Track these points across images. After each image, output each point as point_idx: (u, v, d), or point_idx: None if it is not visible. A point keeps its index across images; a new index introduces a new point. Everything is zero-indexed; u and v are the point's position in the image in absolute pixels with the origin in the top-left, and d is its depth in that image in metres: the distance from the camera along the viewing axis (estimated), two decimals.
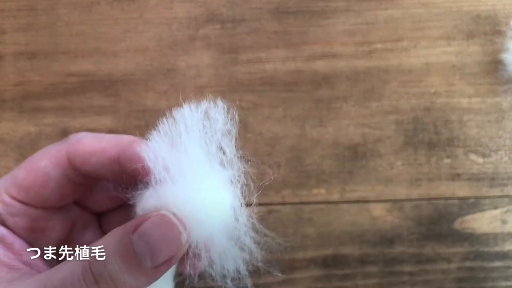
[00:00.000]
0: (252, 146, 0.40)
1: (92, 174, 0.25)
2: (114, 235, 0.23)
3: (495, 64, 0.41)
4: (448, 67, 0.41)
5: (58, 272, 0.23)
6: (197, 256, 0.24)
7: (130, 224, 0.23)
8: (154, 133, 0.25)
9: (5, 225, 0.25)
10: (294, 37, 0.41)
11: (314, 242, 0.40)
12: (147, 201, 0.24)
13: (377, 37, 0.41)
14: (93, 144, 0.25)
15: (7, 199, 0.25)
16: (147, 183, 0.24)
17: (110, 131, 0.40)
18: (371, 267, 0.40)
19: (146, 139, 0.25)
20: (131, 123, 0.41)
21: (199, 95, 0.41)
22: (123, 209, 0.29)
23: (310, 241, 0.40)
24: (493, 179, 0.40)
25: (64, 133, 0.40)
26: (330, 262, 0.40)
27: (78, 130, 0.40)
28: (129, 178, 0.25)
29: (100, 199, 0.28)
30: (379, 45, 0.41)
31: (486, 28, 0.41)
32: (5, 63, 0.41)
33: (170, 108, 0.40)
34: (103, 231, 0.29)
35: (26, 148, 0.40)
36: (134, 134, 0.40)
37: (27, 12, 0.41)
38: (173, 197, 0.23)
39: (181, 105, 0.26)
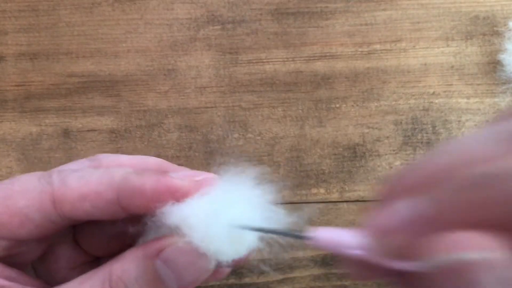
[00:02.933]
0: (252, 146, 0.40)
1: (84, 218, 0.23)
2: (134, 259, 0.22)
3: (493, 65, 0.41)
4: (447, 67, 0.41)
5: None
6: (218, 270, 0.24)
7: (152, 248, 0.22)
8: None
9: None
10: (294, 38, 0.41)
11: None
12: (165, 219, 0.22)
13: (376, 38, 0.41)
14: (82, 187, 0.22)
15: None
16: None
17: (111, 131, 0.41)
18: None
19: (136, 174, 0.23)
20: (132, 123, 0.41)
21: (200, 95, 0.41)
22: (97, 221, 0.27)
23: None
24: None
25: (65, 133, 0.41)
26: (330, 261, 0.40)
27: (79, 130, 0.41)
28: (133, 214, 0.23)
29: (93, 235, 0.27)
30: (378, 46, 0.41)
31: (485, 29, 0.41)
32: (7, 63, 0.41)
33: (170, 108, 0.41)
34: (76, 237, 0.27)
35: (28, 148, 0.41)
36: (135, 134, 0.40)
37: (29, 13, 0.42)
38: (199, 227, 0.22)
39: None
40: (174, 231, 0.22)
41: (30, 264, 0.26)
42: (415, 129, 0.41)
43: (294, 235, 0.23)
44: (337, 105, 0.41)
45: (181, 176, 0.23)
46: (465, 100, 0.41)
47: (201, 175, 0.23)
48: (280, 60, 0.41)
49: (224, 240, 0.22)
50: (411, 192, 0.17)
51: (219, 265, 0.23)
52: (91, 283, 0.22)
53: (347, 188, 0.40)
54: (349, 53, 0.41)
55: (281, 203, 0.25)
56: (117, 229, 0.26)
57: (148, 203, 0.22)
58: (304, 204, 0.40)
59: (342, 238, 0.20)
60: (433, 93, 0.41)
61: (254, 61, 0.41)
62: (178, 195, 0.22)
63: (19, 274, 0.24)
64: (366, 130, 0.41)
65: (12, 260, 0.24)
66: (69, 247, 0.26)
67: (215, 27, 0.42)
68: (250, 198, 0.24)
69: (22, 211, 0.22)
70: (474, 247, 0.15)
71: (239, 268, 0.40)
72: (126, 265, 0.22)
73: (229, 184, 0.23)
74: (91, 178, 0.22)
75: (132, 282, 0.21)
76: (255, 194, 0.24)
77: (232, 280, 0.39)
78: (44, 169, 0.40)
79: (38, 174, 0.23)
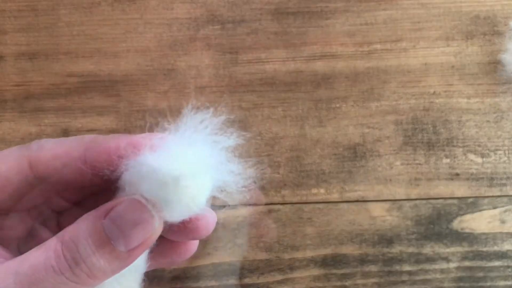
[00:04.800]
0: (252, 146, 0.40)
1: (56, 179, 0.25)
2: (86, 219, 0.23)
3: (494, 65, 0.41)
4: (447, 67, 0.41)
5: (30, 258, 0.23)
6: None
7: (101, 209, 0.23)
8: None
9: None
10: (294, 38, 0.41)
11: (314, 242, 0.40)
12: (122, 184, 0.24)
13: (376, 38, 0.41)
14: (56, 148, 0.25)
15: None
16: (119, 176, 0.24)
17: (111, 131, 0.41)
18: (370, 266, 0.40)
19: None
20: (132, 123, 0.41)
21: (200, 95, 0.41)
22: (81, 206, 0.28)
23: (310, 240, 0.40)
24: (492, 179, 0.40)
25: (65, 133, 0.41)
26: (330, 262, 0.40)
27: (79, 130, 0.41)
28: (97, 177, 0.25)
29: (60, 201, 0.28)
30: (378, 46, 0.41)
31: (485, 28, 0.41)
32: (6, 63, 0.41)
33: (170, 108, 0.40)
34: (60, 225, 0.29)
35: None
36: (134, 134, 0.40)
37: (28, 12, 0.42)
38: (148, 180, 0.23)
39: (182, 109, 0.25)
40: (127, 188, 0.23)
41: (16, 247, 0.27)
42: (415, 129, 0.41)
43: None
44: (337, 105, 0.41)
45: (142, 135, 0.26)
46: (466, 100, 0.41)
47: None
48: (280, 60, 0.41)
49: (171, 195, 0.23)
50: None
51: (168, 225, 0.23)
52: (46, 245, 0.23)
53: (347, 188, 0.40)
54: (349, 53, 0.41)
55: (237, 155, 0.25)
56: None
57: (110, 157, 0.24)
58: (304, 205, 0.40)
59: None
60: (434, 93, 0.41)
61: (254, 61, 0.41)
62: (136, 150, 0.24)
63: (5, 252, 0.25)
64: (366, 130, 0.41)
65: None
66: (52, 232, 0.27)
67: (215, 27, 0.41)
68: (203, 148, 0.25)
69: (3, 174, 0.24)
70: None
71: (239, 268, 0.40)
72: (78, 226, 0.23)
73: (186, 138, 0.25)
74: (65, 142, 0.25)
75: (82, 242, 0.22)
76: (210, 144, 0.25)
77: (231, 281, 0.39)
78: None
79: (19, 145, 0.26)
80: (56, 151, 0.25)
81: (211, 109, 0.25)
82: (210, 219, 0.27)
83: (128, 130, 0.41)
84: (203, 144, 0.25)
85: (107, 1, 0.42)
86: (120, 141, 0.25)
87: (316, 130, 0.41)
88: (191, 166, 0.24)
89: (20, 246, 0.27)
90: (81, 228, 0.23)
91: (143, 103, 0.41)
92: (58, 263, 0.22)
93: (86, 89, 0.41)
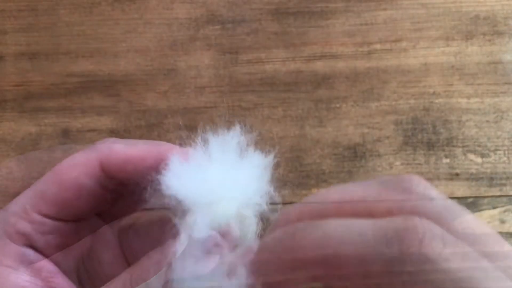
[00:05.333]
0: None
1: (126, 181, 0.24)
2: (155, 257, 0.23)
3: (494, 65, 0.41)
4: (447, 67, 0.41)
5: None
6: None
7: (170, 246, 0.22)
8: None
9: (33, 246, 0.24)
10: (294, 38, 0.41)
11: None
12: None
13: (376, 38, 0.41)
14: (128, 151, 0.24)
15: (37, 217, 0.23)
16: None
17: (111, 131, 0.41)
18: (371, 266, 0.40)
19: (184, 146, 0.24)
20: (132, 123, 0.41)
21: (199, 95, 0.41)
22: (144, 226, 0.28)
23: None
24: (491, 179, 0.40)
25: (65, 133, 0.41)
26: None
27: (79, 130, 0.41)
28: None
29: (123, 209, 0.27)
30: (378, 46, 0.41)
31: (485, 28, 0.41)
32: (6, 63, 0.41)
33: (170, 108, 0.41)
34: (122, 248, 0.28)
35: (27, 148, 0.41)
36: (134, 134, 0.40)
37: (28, 12, 0.42)
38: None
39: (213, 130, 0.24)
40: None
41: (75, 271, 0.26)
42: (415, 129, 0.41)
43: None
44: (337, 105, 0.41)
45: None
46: (466, 100, 0.41)
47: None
48: (280, 60, 0.41)
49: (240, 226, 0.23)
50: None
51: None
52: (114, 285, 0.22)
53: None
54: (349, 53, 0.41)
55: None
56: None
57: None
58: None
59: None
60: (434, 93, 0.41)
61: (254, 61, 0.41)
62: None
63: (66, 285, 0.24)
64: (366, 130, 0.41)
65: (62, 258, 0.25)
66: (114, 255, 0.27)
67: (215, 27, 0.41)
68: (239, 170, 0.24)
69: (76, 181, 0.24)
70: None
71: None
72: (146, 264, 0.22)
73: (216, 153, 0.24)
74: (137, 145, 0.24)
75: (151, 277, 0.22)
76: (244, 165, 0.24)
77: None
78: (44, 169, 0.40)
79: (84, 150, 0.25)
80: (128, 154, 0.24)
81: (238, 127, 0.24)
82: None
83: (128, 130, 0.41)
84: (243, 167, 0.24)
85: (107, 1, 0.42)
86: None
87: (316, 130, 0.41)
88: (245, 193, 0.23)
89: (80, 272, 0.27)
90: (150, 266, 0.22)
91: (143, 103, 0.41)
92: None
93: (86, 89, 0.41)
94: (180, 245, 0.22)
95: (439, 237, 0.17)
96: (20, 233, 0.23)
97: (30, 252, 0.24)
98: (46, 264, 0.24)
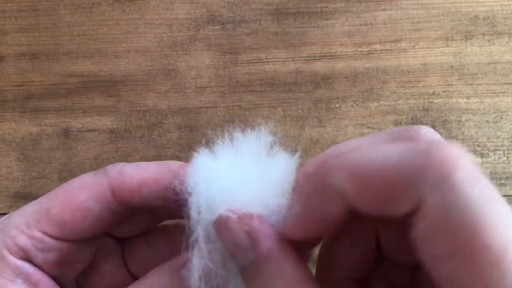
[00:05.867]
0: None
1: (140, 205, 0.24)
2: (163, 271, 0.22)
3: (493, 65, 0.41)
4: (447, 67, 0.41)
5: None
6: None
7: (179, 260, 0.22)
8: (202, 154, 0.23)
9: (31, 261, 0.23)
10: (294, 38, 0.41)
11: None
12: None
13: (376, 38, 0.41)
14: (140, 174, 0.23)
15: (38, 234, 0.23)
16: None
17: (111, 131, 0.41)
18: None
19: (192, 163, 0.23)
20: (132, 123, 0.41)
21: (200, 95, 0.41)
22: (148, 236, 0.27)
23: None
24: (491, 179, 0.40)
25: (65, 133, 0.41)
26: None
27: (79, 130, 0.41)
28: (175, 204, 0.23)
29: (128, 226, 0.27)
30: (378, 46, 0.41)
31: (485, 29, 0.41)
32: (6, 63, 0.41)
33: (170, 108, 0.41)
34: (125, 258, 0.27)
35: (28, 148, 0.41)
36: (135, 134, 0.41)
37: (29, 13, 0.42)
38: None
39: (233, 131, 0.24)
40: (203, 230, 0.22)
41: (75, 280, 0.26)
42: None
43: None
44: (337, 105, 0.41)
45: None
46: (465, 100, 0.41)
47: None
48: (280, 60, 0.41)
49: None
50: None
51: None
52: None
53: None
54: (349, 53, 0.41)
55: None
56: (167, 252, 0.26)
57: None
58: None
59: None
60: (433, 93, 0.41)
61: (254, 61, 0.41)
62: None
63: None
64: (366, 130, 0.41)
65: (61, 272, 0.24)
66: (115, 265, 0.27)
67: (215, 27, 0.42)
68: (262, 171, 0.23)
69: (83, 205, 0.23)
70: None
71: None
72: (154, 278, 0.22)
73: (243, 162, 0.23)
74: (149, 167, 0.24)
75: None
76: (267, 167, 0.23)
77: None
78: (44, 169, 0.40)
79: (91, 172, 0.24)
80: (141, 177, 0.23)
81: (258, 129, 0.24)
82: None
83: (128, 130, 0.41)
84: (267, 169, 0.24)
85: (107, 2, 0.42)
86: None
87: (316, 130, 0.41)
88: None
89: (79, 281, 0.26)
90: (158, 280, 0.22)
91: (143, 103, 0.41)
92: None
93: (87, 89, 0.41)
94: (198, 255, 0.21)
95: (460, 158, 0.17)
96: (19, 246, 0.23)
97: (28, 266, 0.23)
98: (43, 279, 0.24)
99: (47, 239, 0.23)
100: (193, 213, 0.21)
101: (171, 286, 0.22)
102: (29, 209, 0.24)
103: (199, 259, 0.21)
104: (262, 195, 0.22)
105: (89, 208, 0.23)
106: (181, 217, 0.23)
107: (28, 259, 0.23)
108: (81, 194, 0.23)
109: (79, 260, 0.25)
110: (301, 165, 0.23)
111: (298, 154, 0.24)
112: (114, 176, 0.23)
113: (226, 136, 0.23)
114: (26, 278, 0.23)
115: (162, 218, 0.27)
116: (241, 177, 0.22)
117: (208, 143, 0.24)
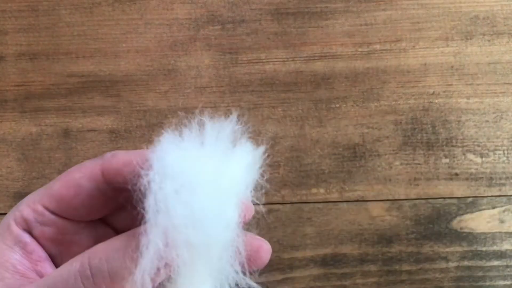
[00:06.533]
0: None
1: (124, 186, 0.25)
2: (119, 237, 0.23)
3: (493, 65, 0.41)
4: (447, 67, 0.41)
5: (58, 270, 0.23)
6: None
7: (136, 230, 0.23)
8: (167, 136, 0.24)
9: (31, 233, 0.26)
10: (294, 38, 0.41)
11: (313, 241, 0.40)
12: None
13: (376, 38, 0.41)
14: (126, 156, 0.25)
15: (39, 208, 0.25)
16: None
17: (111, 131, 0.41)
18: (370, 266, 0.40)
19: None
20: (132, 123, 0.41)
21: (200, 95, 0.41)
22: None
23: (309, 240, 0.40)
24: (491, 179, 0.40)
25: (65, 133, 0.41)
26: (329, 261, 0.40)
27: (79, 130, 0.41)
28: None
29: (126, 217, 0.28)
30: (378, 46, 0.41)
31: (484, 29, 0.41)
32: (7, 63, 0.41)
33: (170, 108, 0.41)
34: None
35: (28, 148, 0.41)
36: (135, 134, 0.41)
37: (29, 13, 0.42)
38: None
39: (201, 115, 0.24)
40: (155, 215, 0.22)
41: None
42: (414, 129, 0.41)
43: None
44: (337, 105, 0.41)
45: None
46: (465, 100, 0.41)
47: None
48: (280, 60, 0.41)
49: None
50: None
51: None
52: (79, 257, 0.23)
53: (347, 188, 0.40)
54: (349, 53, 0.41)
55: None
56: None
57: None
58: (303, 204, 0.40)
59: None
60: (433, 93, 0.41)
61: (254, 61, 0.41)
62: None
63: (52, 268, 0.26)
64: (366, 130, 0.41)
65: (59, 251, 0.26)
66: None
67: (215, 27, 0.42)
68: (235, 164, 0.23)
69: (77, 181, 0.25)
70: None
71: None
72: (109, 241, 0.23)
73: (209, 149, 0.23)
74: (136, 151, 0.26)
75: (112, 252, 0.23)
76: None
77: None
78: (44, 169, 0.40)
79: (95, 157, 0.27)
80: (126, 159, 0.25)
81: (227, 116, 0.24)
82: (265, 248, 0.26)
83: (128, 130, 0.41)
84: (231, 157, 0.24)
85: (107, 2, 0.42)
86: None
87: (316, 130, 0.41)
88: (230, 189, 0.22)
89: None
90: (114, 242, 0.23)
91: (143, 103, 0.41)
92: (81, 272, 0.22)
93: (87, 89, 0.41)
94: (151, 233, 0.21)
95: None
96: (23, 218, 0.25)
97: (27, 236, 0.26)
98: (37, 250, 0.26)
99: (47, 213, 0.26)
100: (149, 214, 0.21)
101: (126, 248, 0.22)
102: (40, 189, 0.26)
103: (150, 262, 0.21)
104: (217, 198, 0.22)
105: (81, 185, 0.25)
106: None
107: (29, 231, 0.26)
108: (77, 173, 0.26)
109: (76, 242, 0.27)
110: (266, 157, 0.23)
111: (264, 147, 0.24)
112: (107, 159, 0.26)
113: (194, 122, 0.24)
114: (23, 246, 0.25)
115: None
116: (200, 173, 0.22)
117: (176, 126, 0.25)
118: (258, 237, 0.25)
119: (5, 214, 0.40)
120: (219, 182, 0.22)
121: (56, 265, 0.27)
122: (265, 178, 0.24)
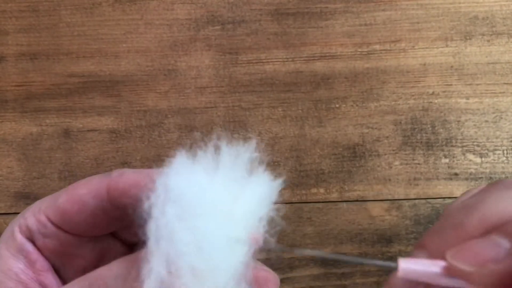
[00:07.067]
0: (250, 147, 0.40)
1: (130, 206, 0.24)
2: (123, 260, 0.23)
3: (492, 65, 0.41)
4: (446, 67, 0.41)
5: None
6: None
7: (137, 254, 0.22)
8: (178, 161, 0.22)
9: (34, 243, 0.25)
10: (294, 38, 0.41)
11: (313, 241, 0.40)
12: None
13: (375, 38, 0.41)
14: (134, 176, 0.24)
15: (43, 218, 0.25)
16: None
17: (112, 131, 0.41)
18: (370, 265, 0.40)
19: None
20: (132, 123, 0.41)
21: (200, 95, 0.41)
22: None
23: (309, 240, 0.40)
24: (490, 179, 0.41)
25: (65, 133, 0.41)
26: (329, 261, 0.40)
27: (79, 130, 0.41)
28: None
29: (136, 231, 0.26)
30: (377, 46, 0.41)
31: (484, 29, 0.42)
32: (7, 64, 0.41)
33: (170, 108, 0.41)
34: None
35: (28, 148, 0.41)
36: (135, 134, 0.41)
37: (29, 13, 0.42)
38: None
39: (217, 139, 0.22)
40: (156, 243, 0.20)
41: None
42: (414, 129, 0.41)
43: (380, 264, 0.22)
44: (337, 105, 0.41)
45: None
46: (465, 100, 0.41)
47: None
48: (280, 60, 0.41)
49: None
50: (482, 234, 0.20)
51: None
52: (78, 283, 0.23)
53: (346, 188, 0.40)
54: (349, 53, 0.41)
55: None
56: None
57: None
58: (303, 204, 0.40)
59: (428, 269, 0.20)
60: (433, 93, 0.41)
61: (254, 61, 0.41)
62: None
63: (55, 284, 0.26)
64: (366, 130, 0.41)
65: (62, 263, 0.26)
66: None
67: (215, 27, 0.42)
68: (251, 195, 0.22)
69: (82, 198, 0.25)
70: None
71: None
72: (112, 265, 0.22)
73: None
74: (145, 171, 0.25)
75: (111, 278, 0.22)
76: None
77: None
78: (45, 169, 0.41)
79: (103, 173, 0.26)
80: (133, 179, 0.24)
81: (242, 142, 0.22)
82: (272, 280, 0.25)
83: (128, 130, 0.41)
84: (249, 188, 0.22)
85: (108, 2, 0.42)
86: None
87: (315, 130, 0.41)
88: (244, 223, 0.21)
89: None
90: (114, 268, 0.22)
91: (143, 103, 0.41)
92: None
93: (87, 89, 0.41)
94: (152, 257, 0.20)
95: None
96: (27, 226, 0.25)
97: (30, 245, 0.25)
98: (41, 260, 0.25)
99: (49, 225, 0.25)
100: (150, 240, 0.20)
101: (124, 274, 0.22)
102: (47, 198, 0.26)
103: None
104: (226, 226, 0.21)
105: (85, 202, 0.25)
106: None
107: (32, 240, 0.25)
108: (83, 189, 0.25)
109: (79, 255, 0.26)
110: (282, 190, 0.22)
111: (282, 179, 0.23)
112: (114, 177, 0.25)
113: (210, 144, 0.22)
114: (26, 255, 0.25)
115: None
116: (207, 199, 0.21)
117: (191, 147, 0.23)
118: (266, 268, 0.24)
119: (5, 214, 0.40)
120: (229, 210, 0.21)
121: (59, 276, 0.26)
122: (279, 214, 0.23)
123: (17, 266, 0.25)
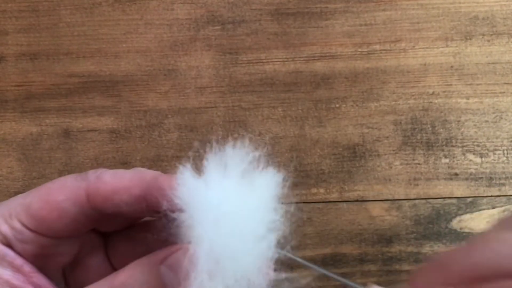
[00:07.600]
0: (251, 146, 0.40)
1: (113, 212, 0.24)
2: (140, 265, 0.23)
3: (493, 65, 0.41)
4: (446, 67, 0.41)
5: None
6: None
7: (158, 255, 0.23)
8: (186, 167, 0.23)
9: (12, 249, 0.24)
10: (294, 38, 0.41)
11: (313, 241, 0.40)
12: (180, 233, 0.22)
13: (375, 38, 0.41)
14: (115, 182, 0.24)
15: (17, 225, 0.24)
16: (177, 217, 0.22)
17: (112, 131, 0.41)
18: (370, 265, 0.40)
19: (172, 173, 0.23)
20: (132, 123, 0.41)
21: (200, 95, 0.41)
22: (129, 230, 0.28)
23: (309, 240, 0.40)
24: (490, 179, 0.41)
25: (65, 133, 0.41)
26: (329, 261, 0.40)
27: (79, 130, 0.41)
28: (155, 213, 0.23)
29: (111, 223, 0.27)
30: (377, 46, 0.41)
31: (484, 29, 0.42)
32: (7, 64, 0.41)
33: (170, 108, 0.41)
34: (107, 252, 0.28)
35: (28, 148, 0.41)
36: (135, 134, 0.41)
37: (29, 13, 0.42)
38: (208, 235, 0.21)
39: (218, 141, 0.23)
40: (188, 231, 0.22)
41: (61, 272, 0.27)
42: (414, 129, 0.41)
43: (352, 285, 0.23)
44: (337, 105, 0.41)
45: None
46: (465, 100, 0.41)
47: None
48: (280, 60, 0.41)
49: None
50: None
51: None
52: None
53: (346, 188, 0.40)
54: (349, 53, 0.41)
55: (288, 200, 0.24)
56: (148, 247, 0.26)
57: (170, 197, 0.23)
58: (303, 204, 0.40)
59: None
60: (433, 93, 0.41)
61: (254, 61, 0.41)
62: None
63: (47, 283, 0.25)
64: (366, 130, 0.41)
65: (43, 264, 0.25)
66: (99, 260, 0.27)
67: (215, 27, 0.42)
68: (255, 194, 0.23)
69: (60, 205, 0.24)
70: None
71: None
72: (131, 272, 0.22)
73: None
74: (124, 175, 0.24)
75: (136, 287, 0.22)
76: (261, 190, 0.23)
77: None
78: (44, 169, 0.41)
79: (74, 174, 0.25)
80: (115, 185, 0.24)
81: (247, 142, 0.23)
82: None
83: (128, 130, 0.41)
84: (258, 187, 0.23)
85: (107, 2, 0.42)
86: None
87: (315, 130, 0.41)
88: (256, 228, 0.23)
89: (66, 274, 0.27)
90: (135, 273, 0.22)
91: (143, 103, 0.41)
92: None
93: (87, 89, 0.41)
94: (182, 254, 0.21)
95: None
96: (2, 233, 0.24)
97: (10, 252, 0.24)
98: (26, 264, 0.25)
99: (26, 231, 0.24)
100: (191, 247, 0.21)
101: (148, 281, 0.22)
102: (14, 202, 0.24)
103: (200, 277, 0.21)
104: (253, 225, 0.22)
105: (65, 209, 0.24)
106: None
107: (10, 246, 0.24)
108: (60, 195, 0.24)
109: (60, 254, 0.26)
110: (284, 179, 0.23)
111: (284, 171, 0.24)
112: (91, 182, 0.24)
113: (215, 148, 0.23)
114: (10, 262, 0.24)
115: (143, 215, 0.27)
116: (230, 201, 0.22)
117: (195, 155, 0.23)
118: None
119: None
120: (254, 209, 0.23)
121: (46, 275, 0.25)
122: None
123: (6, 273, 0.24)
